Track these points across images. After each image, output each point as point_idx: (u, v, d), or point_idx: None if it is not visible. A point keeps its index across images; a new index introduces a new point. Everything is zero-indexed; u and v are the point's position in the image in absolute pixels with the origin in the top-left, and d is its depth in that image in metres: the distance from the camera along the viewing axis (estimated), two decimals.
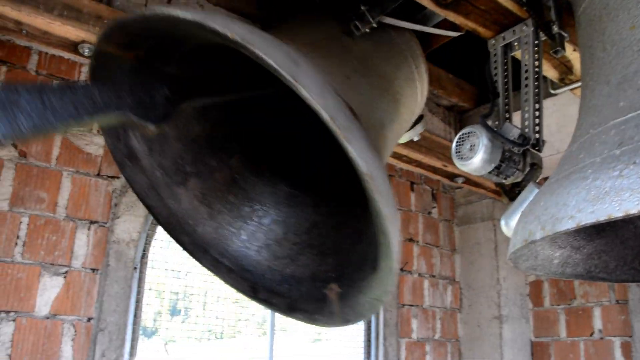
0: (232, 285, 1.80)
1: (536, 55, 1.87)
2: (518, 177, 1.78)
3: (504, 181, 1.76)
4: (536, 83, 1.85)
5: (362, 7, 1.77)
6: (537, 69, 1.86)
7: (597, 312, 3.29)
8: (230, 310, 3.64)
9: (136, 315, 2.50)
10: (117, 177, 2.56)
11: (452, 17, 1.90)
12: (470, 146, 1.67)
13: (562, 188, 1.19)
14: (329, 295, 1.57)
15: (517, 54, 2.03)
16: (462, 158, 1.70)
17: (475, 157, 1.65)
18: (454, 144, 1.72)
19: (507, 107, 1.93)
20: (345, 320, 1.55)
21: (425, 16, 2.15)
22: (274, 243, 1.82)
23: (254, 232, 1.83)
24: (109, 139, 1.64)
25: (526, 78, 1.87)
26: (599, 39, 1.42)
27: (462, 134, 1.71)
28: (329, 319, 1.60)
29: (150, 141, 1.68)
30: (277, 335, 3.26)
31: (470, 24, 1.94)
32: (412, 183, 3.76)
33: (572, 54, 2.10)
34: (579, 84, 2.29)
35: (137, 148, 1.66)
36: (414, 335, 3.42)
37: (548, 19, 1.76)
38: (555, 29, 1.74)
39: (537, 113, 1.83)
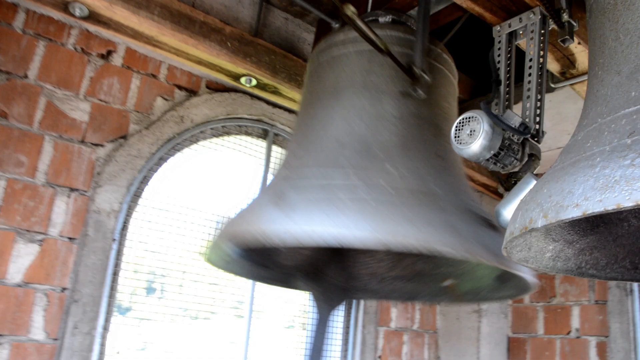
0: None
1: (542, 45, 1.83)
2: (515, 167, 1.75)
3: (501, 170, 1.72)
4: (540, 73, 1.81)
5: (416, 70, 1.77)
6: (541, 59, 1.82)
7: (575, 311, 3.30)
8: (207, 292, 3.61)
9: (112, 288, 2.43)
10: (102, 145, 2.48)
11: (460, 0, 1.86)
12: (470, 131, 1.63)
13: (567, 175, 1.15)
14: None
15: (521, 43, 1.99)
16: (461, 143, 1.65)
17: (475, 142, 1.61)
18: (453, 128, 1.68)
19: (507, 96, 1.89)
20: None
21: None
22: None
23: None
24: None
25: (530, 67, 1.83)
26: (612, 28, 1.38)
27: (463, 119, 1.66)
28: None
29: None
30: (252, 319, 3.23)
31: (477, 8, 1.89)
32: None
33: (576, 48, 2.07)
34: (581, 78, 2.27)
35: None
36: (393, 325, 3.40)
37: (558, 6, 1.72)
38: (565, 16, 1.70)
39: (538, 104, 1.80)
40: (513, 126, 1.65)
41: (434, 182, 1.73)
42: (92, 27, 2.46)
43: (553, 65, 2.23)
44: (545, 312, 3.43)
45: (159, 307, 3.47)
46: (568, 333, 3.32)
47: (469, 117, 1.65)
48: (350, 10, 1.64)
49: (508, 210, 1.70)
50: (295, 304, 3.42)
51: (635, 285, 3.09)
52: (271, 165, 3.00)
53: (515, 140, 1.70)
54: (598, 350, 3.17)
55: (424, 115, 1.88)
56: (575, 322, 3.30)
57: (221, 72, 2.56)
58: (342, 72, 2.03)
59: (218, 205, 2.88)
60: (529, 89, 1.82)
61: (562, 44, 1.97)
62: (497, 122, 1.62)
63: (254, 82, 2.58)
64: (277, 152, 3.07)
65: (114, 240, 2.42)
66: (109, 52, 2.58)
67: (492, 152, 1.63)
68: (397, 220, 1.47)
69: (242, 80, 2.58)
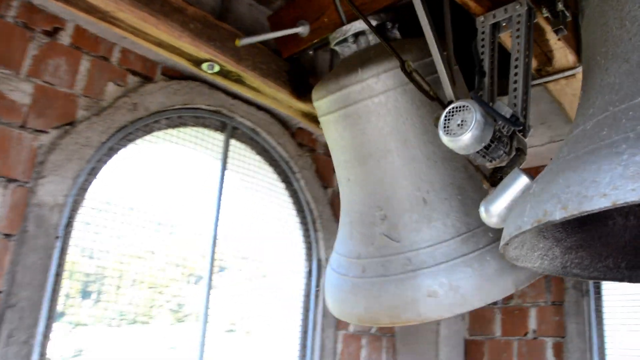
0: None
1: (528, 37, 1.77)
2: (503, 161, 1.67)
3: (488, 163, 1.65)
4: (526, 66, 1.76)
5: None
6: (527, 51, 1.76)
7: (532, 313, 3.31)
8: (145, 296, 3.44)
9: (55, 292, 2.19)
10: (45, 132, 2.24)
11: None
12: (461, 121, 1.54)
13: (587, 164, 1.07)
14: None
15: (502, 36, 1.94)
16: (449, 134, 1.56)
17: (466, 133, 1.52)
18: (442, 118, 1.59)
19: (491, 88, 1.82)
20: None
21: None
22: None
23: None
24: None
25: (517, 59, 1.77)
26: (617, 16, 1.33)
27: (452, 108, 1.57)
28: None
29: None
30: (189, 324, 3.08)
31: None
32: None
33: (556, 44, 2.04)
34: (556, 76, 2.25)
35: None
36: (351, 328, 3.29)
37: None
38: (560, 5, 1.65)
39: (524, 97, 1.74)
40: (505, 117, 1.58)
41: None
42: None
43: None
44: (502, 314, 3.43)
45: (93, 313, 3.24)
46: (525, 334, 3.32)
47: (459, 107, 1.56)
48: (411, 66, 1.63)
49: (496, 207, 1.62)
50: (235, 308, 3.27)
51: (591, 286, 3.13)
52: (229, 160, 2.83)
53: (504, 133, 1.63)
54: (555, 350, 3.18)
55: None
56: (532, 323, 3.30)
57: (182, 56, 2.38)
58: (381, 124, 2.05)
59: (167, 204, 2.69)
60: (515, 82, 1.76)
61: (548, 37, 1.94)
62: (489, 112, 1.54)
63: (216, 68, 2.41)
64: (236, 146, 2.90)
65: (58, 237, 2.19)
66: (56, 30, 2.34)
67: (483, 144, 1.55)
68: None
69: (204, 66, 2.40)
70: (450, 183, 2.05)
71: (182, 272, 3.63)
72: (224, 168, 2.77)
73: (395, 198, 2.06)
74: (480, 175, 1.75)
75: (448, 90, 1.91)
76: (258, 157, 2.99)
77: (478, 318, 3.51)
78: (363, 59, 2.14)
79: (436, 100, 1.80)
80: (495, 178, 1.72)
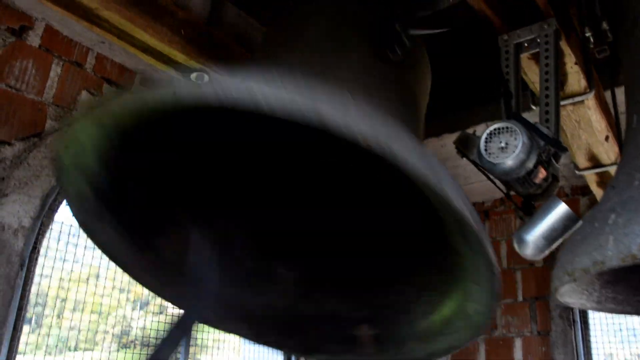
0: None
1: (556, 57, 1.69)
2: (539, 189, 1.56)
3: (526, 191, 1.52)
4: (557, 88, 1.66)
5: (397, 26, 1.47)
6: (557, 74, 1.68)
7: (518, 343, 3.22)
8: (88, 321, 3.20)
9: (15, 328, 1.89)
10: (9, 144, 1.96)
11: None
12: (506, 144, 1.41)
13: None
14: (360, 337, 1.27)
15: (525, 56, 1.85)
16: (492, 157, 1.43)
17: (511, 156, 1.40)
18: (482, 141, 1.46)
19: (518, 110, 1.72)
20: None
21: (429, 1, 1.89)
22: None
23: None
24: None
25: (546, 80, 1.68)
26: None
27: (494, 130, 1.45)
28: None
29: None
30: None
31: (488, 11, 1.71)
32: None
33: (572, 68, 1.96)
34: (567, 101, 2.17)
35: None
36: None
37: (592, 14, 1.59)
38: (604, 25, 1.57)
39: (557, 119, 1.64)
40: (552, 139, 1.47)
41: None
42: None
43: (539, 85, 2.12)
44: (487, 344, 3.33)
45: (33, 340, 2.95)
46: None
47: (502, 128, 1.44)
48: None
49: (534, 237, 1.50)
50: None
51: (577, 315, 3.07)
52: None
53: (544, 158, 1.52)
54: None
55: (392, 81, 1.56)
56: (518, 354, 3.21)
57: (169, 65, 2.16)
58: (309, 25, 1.68)
59: None
60: (547, 104, 1.66)
61: (566, 61, 1.87)
62: (537, 134, 1.42)
63: (206, 79, 2.20)
64: None
65: (22, 265, 1.90)
66: (24, 29, 2.08)
67: (527, 169, 1.43)
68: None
69: (193, 76, 2.19)
70: None
71: (127, 297, 3.39)
72: None
73: None
74: (513, 204, 1.63)
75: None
76: None
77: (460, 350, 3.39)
78: None
79: None
80: (529, 206, 1.60)
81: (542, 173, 1.49)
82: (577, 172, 2.83)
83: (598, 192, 3.03)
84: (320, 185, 1.53)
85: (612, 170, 2.74)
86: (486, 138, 1.45)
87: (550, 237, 1.51)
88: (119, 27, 1.94)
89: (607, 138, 2.56)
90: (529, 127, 1.42)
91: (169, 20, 2.00)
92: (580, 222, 1.52)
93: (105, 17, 1.89)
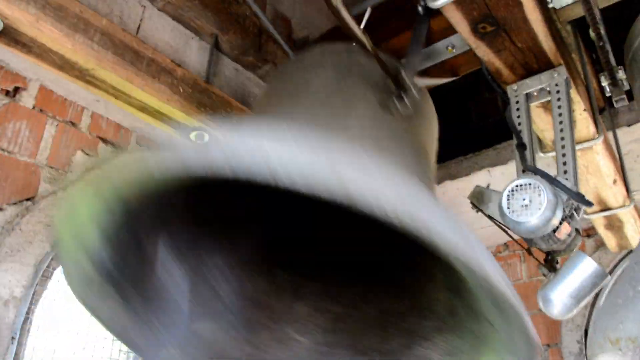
0: None
1: (569, 106, 1.64)
2: (562, 244, 1.48)
3: (552, 247, 1.45)
4: (572, 137, 1.61)
5: (403, 76, 1.42)
6: (571, 123, 1.63)
7: None
8: None
9: None
10: (1, 209, 1.87)
11: (482, 50, 1.63)
12: (529, 201, 1.34)
13: None
14: None
15: (535, 105, 1.81)
16: (515, 215, 1.36)
17: (536, 215, 1.32)
18: (503, 198, 1.38)
19: (533, 162, 1.66)
20: None
21: (434, 52, 1.86)
22: None
23: None
24: None
25: (561, 130, 1.62)
26: None
27: (516, 186, 1.38)
28: None
29: None
30: None
31: (497, 63, 1.68)
32: None
33: (580, 115, 1.92)
34: (579, 147, 2.12)
35: None
36: None
37: (607, 62, 1.55)
38: (621, 73, 1.53)
39: (575, 171, 1.58)
40: (576, 194, 1.40)
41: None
42: (3, 49, 1.91)
43: (548, 134, 2.07)
44: None
45: None
46: None
47: (525, 184, 1.37)
48: None
49: (561, 296, 1.42)
50: None
51: None
52: None
53: (567, 212, 1.45)
54: None
55: (400, 132, 1.52)
56: None
57: (167, 124, 2.10)
58: (313, 77, 1.63)
59: None
60: (564, 155, 1.60)
61: (574, 108, 1.83)
62: (562, 189, 1.35)
63: (206, 138, 2.14)
64: None
65: (13, 339, 1.78)
66: (17, 90, 2.02)
67: (553, 226, 1.36)
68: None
69: (192, 135, 2.13)
70: None
71: None
72: None
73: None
74: (535, 260, 1.55)
75: (410, 64, 1.56)
76: None
77: None
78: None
79: (374, 56, 1.48)
80: (553, 262, 1.52)
81: (566, 228, 1.41)
82: (585, 215, 2.77)
83: (606, 235, 2.97)
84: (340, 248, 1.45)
85: (620, 213, 2.69)
86: (508, 195, 1.37)
87: (578, 295, 1.43)
88: (116, 86, 1.89)
89: (614, 181, 2.51)
90: (552, 182, 1.35)
91: (166, 78, 1.95)
92: (609, 278, 1.44)
93: (101, 77, 1.84)
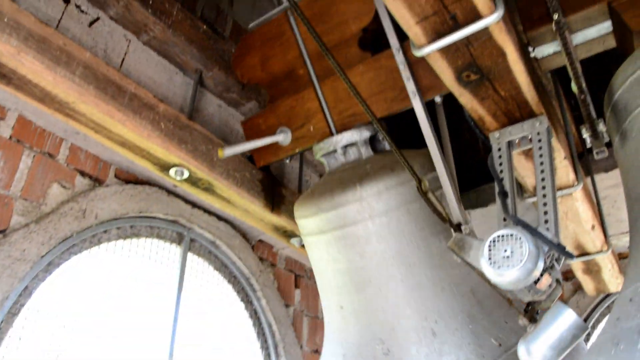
0: None
1: (550, 154, 1.65)
2: (543, 294, 1.47)
3: (533, 297, 1.43)
4: (553, 186, 1.61)
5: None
6: (552, 171, 1.63)
7: None
8: None
9: None
10: None
11: (466, 98, 1.63)
12: (511, 252, 1.33)
13: None
14: None
15: (517, 152, 1.82)
16: (495, 267, 1.34)
17: (517, 267, 1.31)
18: (485, 249, 1.37)
19: (515, 210, 1.65)
20: None
21: None
22: None
23: None
24: None
25: (543, 179, 1.63)
26: None
27: (497, 237, 1.36)
28: None
29: None
30: None
31: (480, 111, 1.68)
32: (297, 276, 3.25)
33: (561, 163, 1.94)
34: (559, 193, 2.14)
35: None
36: None
37: (588, 114, 1.56)
38: (601, 126, 1.54)
39: (556, 219, 1.57)
40: (556, 245, 1.39)
41: None
42: None
43: (529, 180, 2.09)
44: None
45: None
46: None
47: (507, 235, 1.36)
48: (427, 186, 1.52)
49: (539, 346, 1.40)
50: None
51: None
52: (186, 277, 2.45)
53: (549, 263, 1.44)
54: None
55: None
56: None
57: (147, 159, 2.06)
58: (382, 247, 1.86)
59: (117, 325, 2.22)
60: (545, 204, 1.60)
61: (555, 156, 1.84)
62: (541, 239, 1.35)
63: (185, 174, 2.11)
64: (193, 261, 2.54)
65: None
66: None
67: (534, 278, 1.34)
68: None
69: (172, 171, 2.09)
70: (460, 311, 1.82)
71: None
72: (180, 286, 2.38)
73: (400, 329, 1.80)
74: (516, 310, 1.53)
75: (456, 211, 1.75)
76: (216, 273, 2.62)
77: None
78: (359, 174, 1.93)
79: (448, 223, 1.64)
80: (533, 313, 1.50)
81: (547, 279, 1.40)
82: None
83: (584, 279, 2.98)
84: None
85: (598, 258, 2.71)
86: (489, 246, 1.36)
87: (559, 347, 1.41)
88: (96, 121, 1.86)
89: (593, 227, 2.53)
90: (533, 233, 1.34)
91: (148, 113, 1.93)
92: (588, 330, 1.43)
93: (82, 111, 1.81)
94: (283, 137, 2.23)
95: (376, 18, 2.08)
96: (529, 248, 1.31)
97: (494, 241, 1.37)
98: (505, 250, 1.34)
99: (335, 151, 2.07)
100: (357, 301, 1.87)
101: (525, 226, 1.37)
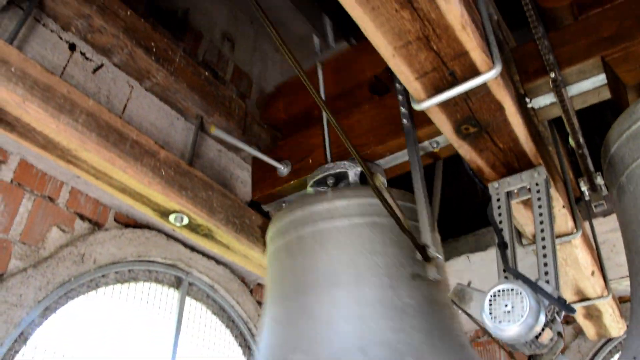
0: None
1: (549, 205, 1.67)
2: (545, 348, 1.46)
3: (535, 352, 1.42)
4: (553, 237, 1.62)
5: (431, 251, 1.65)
6: (551, 221, 1.64)
7: None
8: None
9: None
10: None
11: (465, 150, 1.66)
12: (512, 307, 1.33)
13: None
14: None
15: (516, 202, 1.83)
16: (496, 321, 1.34)
17: (519, 322, 1.31)
18: (485, 303, 1.37)
19: (514, 261, 1.66)
20: None
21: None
22: None
23: None
24: None
25: (542, 230, 1.63)
26: None
27: (498, 291, 1.36)
28: None
29: None
30: None
31: (479, 162, 1.71)
32: None
33: (560, 211, 1.95)
34: (558, 241, 2.14)
35: None
36: None
37: (586, 168, 1.58)
38: (599, 179, 1.56)
39: (556, 271, 1.58)
40: (556, 299, 1.39)
41: None
42: None
43: (529, 228, 2.10)
44: None
45: None
46: None
47: (506, 290, 1.36)
48: (379, 180, 1.49)
49: None
50: None
51: None
52: (184, 321, 2.42)
53: (549, 317, 1.43)
54: None
55: (438, 299, 1.69)
56: None
57: (147, 205, 2.07)
58: (336, 252, 1.77)
59: None
60: (544, 255, 1.60)
61: (554, 204, 1.86)
62: (541, 294, 1.35)
63: (185, 221, 2.11)
64: (191, 305, 2.52)
65: None
66: None
67: (536, 333, 1.34)
68: None
69: (172, 217, 2.09)
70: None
71: None
72: (178, 330, 2.36)
73: (328, 347, 1.61)
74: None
75: (426, 232, 1.72)
76: (214, 318, 2.60)
77: None
78: (335, 191, 1.96)
79: (408, 234, 1.59)
80: None
81: (548, 333, 1.39)
82: None
83: (584, 324, 2.97)
84: None
85: (599, 303, 2.70)
86: (490, 300, 1.36)
87: None
88: (97, 167, 1.88)
89: (592, 273, 2.53)
90: (534, 288, 1.34)
91: (149, 160, 1.94)
92: None
93: (83, 158, 1.83)
94: (283, 167, 2.29)
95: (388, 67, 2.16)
96: (530, 303, 1.31)
97: (494, 295, 1.37)
98: (506, 305, 1.34)
99: (325, 179, 2.08)
100: (292, 308, 1.76)
101: (526, 280, 1.37)
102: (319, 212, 1.85)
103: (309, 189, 2.15)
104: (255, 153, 2.32)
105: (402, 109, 1.88)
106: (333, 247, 1.77)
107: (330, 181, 2.08)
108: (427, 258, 1.62)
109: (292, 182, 2.33)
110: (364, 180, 2.09)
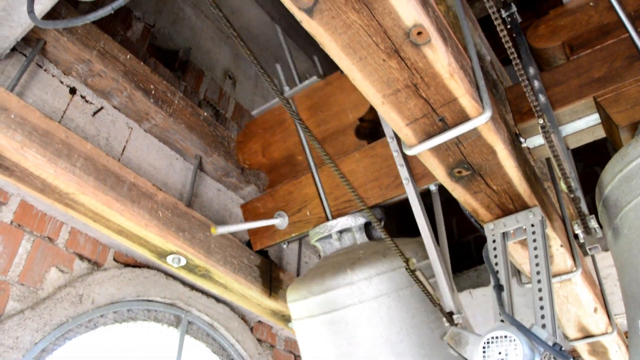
0: None
1: (544, 246, 1.66)
2: None
3: None
4: (549, 278, 1.61)
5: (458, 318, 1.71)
6: (547, 262, 1.63)
7: None
8: None
9: None
10: None
11: (458, 192, 1.66)
12: (505, 354, 1.31)
13: None
14: None
15: (511, 244, 1.82)
16: None
17: None
18: (479, 350, 1.36)
19: (511, 304, 1.64)
20: None
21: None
22: None
23: None
24: None
25: (538, 272, 1.62)
26: None
27: (491, 338, 1.35)
28: None
29: None
30: None
31: (474, 204, 1.70)
32: (296, 357, 3.21)
33: (557, 250, 1.94)
34: (555, 279, 2.12)
35: None
36: None
37: (579, 211, 1.58)
38: (592, 222, 1.55)
39: (552, 313, 1.56)
40: (551, 346, 1.37)
41: None
42: None
43: (527, 267, 2.08)
44: None
45: None
46: None
47: (500, 337, 1.34)
48: (414, 264, 1.54)
49: None
50: None
51: None
52: None
53: None
54: None
55: None
56: None
57: (145, 247, 2.08)
58: (371, 334, 1.83)
59: None
60: (540, 298, 1.59)
61: (551, 244, 1.85)
62: (538, 342, 1.33)
63: (183, 262, 2.11)
64: (191, 344, 2.50)
65: None
66: None
67: None
68: None
69: (169, 259, 2.10)
70: None
71: None
72: None
73: None
74: None
75: (448, 298, 1.74)
76: (214, 357, 2.58)
77: None
78: (351, 259, 1.94)
79: (438, 307, 1.63)
80: None
81: None
82: (568, 342, 2.74)
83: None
84: None
85: (603, 340, 2.66)
86: (484, 347, 1.35)
87: None
88: (95, 210, 1.89)
89: (595, 310, 2.50)
90: (528, 335, 1.33)
91: (146, 202, 1.96)
92: None
93: (81, 201, 1.84)
94: (280, 221, 2.25)
95: (372, 108, 2.15)
96: (524, 351, 1.30)
97: (488, 342, 1.35)
98: (500, 353, 1.33)
99: (330, 236, 2.08)
100: None
101: (520, 327, 1.35)
102: (345, 295, 1.87)
103: (315, 242, 2.14)
104: (250, 226, 2.24)
105: (396, 154, 1.89)
106: (367, 329, 1.81)
107: (335, 237, 2.09)
108: (453, 323, 1.64)
109: (292, 234, 2.30)
110: (368, 231, 2.10)
